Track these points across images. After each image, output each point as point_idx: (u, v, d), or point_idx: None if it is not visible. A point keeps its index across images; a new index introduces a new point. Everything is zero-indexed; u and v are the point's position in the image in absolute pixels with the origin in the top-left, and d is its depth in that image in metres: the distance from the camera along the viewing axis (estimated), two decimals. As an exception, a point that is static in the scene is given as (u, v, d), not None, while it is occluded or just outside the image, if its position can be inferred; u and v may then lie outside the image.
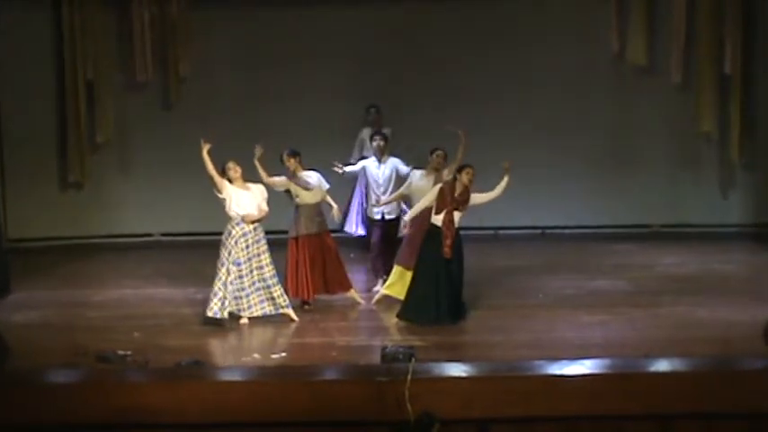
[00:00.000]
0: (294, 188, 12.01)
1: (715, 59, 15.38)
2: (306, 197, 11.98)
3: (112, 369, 9.65)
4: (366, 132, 14.36)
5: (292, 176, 12.03)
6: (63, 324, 11.70)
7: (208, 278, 11.74)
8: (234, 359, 10.54)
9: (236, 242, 11.43)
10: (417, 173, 12.28)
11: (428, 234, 11.42)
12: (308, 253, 11.90)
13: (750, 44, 15.45)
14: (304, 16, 15.65)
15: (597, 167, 15.76)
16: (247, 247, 11.46)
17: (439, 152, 12.25)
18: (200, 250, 13.42)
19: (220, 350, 10.93)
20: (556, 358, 9.39)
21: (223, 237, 11.51)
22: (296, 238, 11.98)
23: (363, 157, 13.67)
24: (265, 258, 11.55)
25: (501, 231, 15.73)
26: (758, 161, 15.75)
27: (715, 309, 11.59)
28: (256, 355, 10.23)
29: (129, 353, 10.09)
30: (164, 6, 15.57)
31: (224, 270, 11.39)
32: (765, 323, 9.97)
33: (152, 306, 12.29)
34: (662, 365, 9.26)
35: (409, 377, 8.60)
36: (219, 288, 11.36)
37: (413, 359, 9.21)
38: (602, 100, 15.78)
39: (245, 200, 11.54)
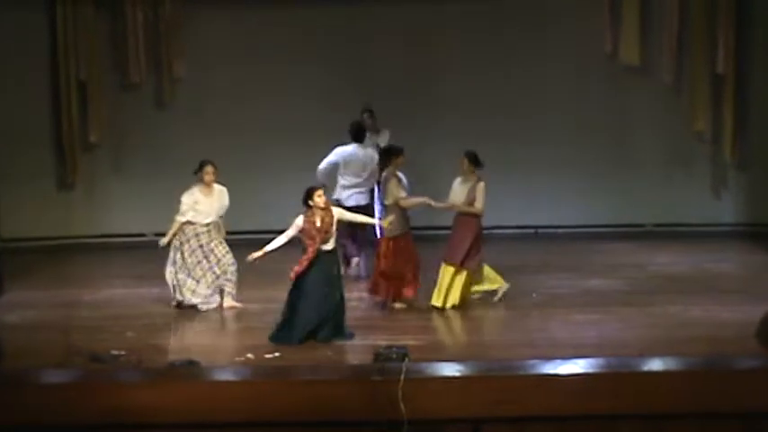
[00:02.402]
0: (398, 188, 11.81)
1: (708, 59, 15.41)
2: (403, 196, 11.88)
3: (106, 369, 9.63)
4: None
5: (393, 174, 11.83)
6: (56, 324, 11.66)
7: (201, 278, 11.74)
8: (227, 359, 10.51)
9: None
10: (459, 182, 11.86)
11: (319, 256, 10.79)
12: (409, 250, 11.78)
13: (743, 44, 15.47)
14: (299, 17, 15.64)
15: (590, 167, 15.78)
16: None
17: None
18: (193, 250, 13.36)
19: (214, 350, 10.90)
20: (549, 358, 9.38)
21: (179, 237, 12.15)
22: (395, 238, 11.76)
23: None
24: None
25: (494, 231, 15.72)
26: (751, 160, 15.77)
27: (708, 308, 11.59)
28: (250, 355, 10.20)
29: (122, 353, 10.06)
30: (157, 7, 15.58)
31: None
32: (758, 322, 9.97)
33: (145, 306, 12.26)
34: (655, 365, 9.27)
35: (403, 377, 8.61)
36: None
37: (406, 359, 9.19)
38: (595, 100, 15.79)
39: (204, 206, 11.87)
